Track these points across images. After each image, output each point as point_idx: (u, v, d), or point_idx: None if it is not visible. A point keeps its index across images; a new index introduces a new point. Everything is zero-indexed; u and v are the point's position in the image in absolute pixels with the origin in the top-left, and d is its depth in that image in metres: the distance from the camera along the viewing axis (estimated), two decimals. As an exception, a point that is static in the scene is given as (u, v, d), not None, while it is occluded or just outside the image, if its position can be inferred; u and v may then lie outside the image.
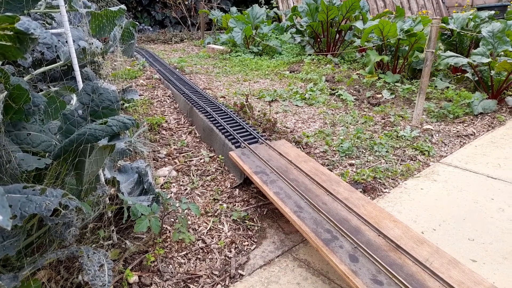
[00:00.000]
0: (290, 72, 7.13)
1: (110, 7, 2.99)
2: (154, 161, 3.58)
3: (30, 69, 2.57)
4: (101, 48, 3.03)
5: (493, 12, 6.49)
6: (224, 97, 5.46)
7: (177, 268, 2.25)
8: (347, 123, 4.48)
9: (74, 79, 2.82)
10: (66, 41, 2.65)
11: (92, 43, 2.85)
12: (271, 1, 14.53)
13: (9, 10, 1.72)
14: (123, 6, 3.06)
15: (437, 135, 4.13)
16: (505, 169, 3.29)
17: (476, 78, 5.29)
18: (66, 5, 2.45)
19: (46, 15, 3.27)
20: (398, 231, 2.02)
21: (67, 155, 1.68)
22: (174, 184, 3.21)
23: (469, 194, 2.92)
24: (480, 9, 11.07)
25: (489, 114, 4.71)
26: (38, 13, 3.15)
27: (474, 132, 4.20)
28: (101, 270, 1.63)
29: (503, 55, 5.01)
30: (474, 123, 4.49)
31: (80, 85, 2.09)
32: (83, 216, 2.06)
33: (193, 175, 3.35)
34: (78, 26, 3.17)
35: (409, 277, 1.69)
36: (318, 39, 8.49)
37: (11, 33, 1.28)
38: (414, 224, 2.56)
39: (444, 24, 6.21)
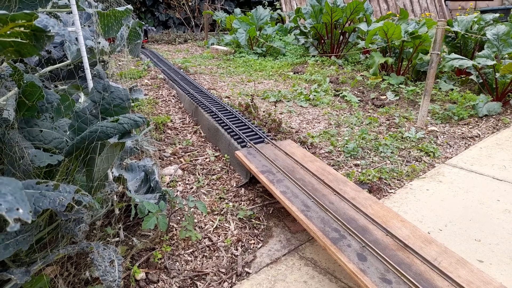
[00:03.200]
0: (294, 73, 7.15)
1: (116, 7, 3.01)
2: (160, 160, 3.59)
3: (37, 67, 2.59)
4: (108, 48, 3.05)
5: (497, 14, 6.50)
6: (229, 97, 5.48)
7: (183, 265, 2.26)
8: (351, 124, 4.49)
9: (81, 78, 2.84)
10: (76, 38, 2.67)
11: (100, 42, 2.88)
12: (275, 3, 14.56)
13: (21, 8, 1.74)
14: (129, 6, 3.08)
15: (442, 136, 4.14)
16: (510, 171, 3.29)
17: (481, 81, 5.30)
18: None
19: (52, 14, 3.29)
20: (406, 230, 2.02)
21: (79, 152, 1.70)
22: (180, 183, 3.22)
23: (475, 195, 2.93)
24: (483, 12, 11.07)
25: (493, 116, 4.71)
26: (45, 13, 3.17)
27: (479, 134, 4.20)
28: (111, 265, 1.64)
29: (507, 58, 5.02)
30: (479, 125, 4.49)
31: (90, 83, 2.11)
32: (92, 213, 2.08)
33: (199, 174, 3.36)
34: (84, 25, 3.19)
35: (418, 276, 1.70)
36: (322, 41, 8.50)
37: (28, 30, 1.30)
38: (420, 225, 2.56)
39: (448, 27, 6.22)
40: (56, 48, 2.82)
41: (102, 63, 3.21)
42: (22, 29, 1.30)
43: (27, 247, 1.46)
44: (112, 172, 2.41)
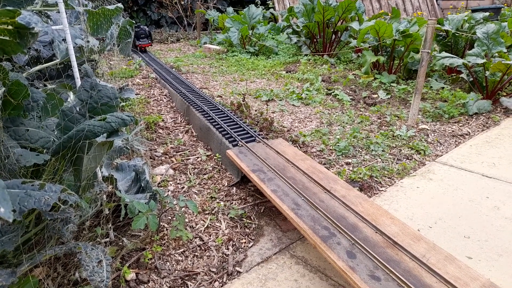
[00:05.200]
0: (287, 72, 7.15)
1: (106, 5, 2.99)
2: (151, 160, 3.57)
3: (26, 67, 2.56)
4: (97, 46, 3.02)
5: (487, 13, 6.55)
6: (221, 97, 5.47)
7: (174, 265, 2.25)
8: (343, 122, 4.50)
9: (71, 77, 2.81)
10: (63, 39, 2.64)
11: (89, 41, 2.85)
12: (267, 2, 14.55)
13: (6, 6, 1.71)
14: (120, 5, 3.06)
15: (432, 134, 4.16)
16: (499, 168, 3.32)
17: (471, 79, 5.34)
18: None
19: (42, 13, 3.25)
20: (395, 228, 2.03)
21: (66, 151, 1.68)
22: (171, 183, 3.21)
23: (464, 192, 2.95)
24: (474, 11, 11.16)
25: (483, 114, 4.75)
26: (34, 11, 3.13)
27: (469, 132, 4.23)
28: (99, 266, 1.63)
29: (497, 56, 5.06)
30: (469, 123, 4.53)
31: (78, 82, 2.09)
32: (81, 213, 2.06)
33: (190, 174, 3.35)
34: (74, 24, 3.16)
35: (406, 273, 1.71)
36: (315, 40, 8.51)
37: (11, 27, 1.28)
38: (410, 222, 2.58)
39: (439, 25, 6.26)
40: (46, 47, 2.79)
41: (92, 62, 3.18)
42: (5, 26, 1.28)
43: (13, 248, 1.44)
44: (102, 172, 2.39)
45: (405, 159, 3.57)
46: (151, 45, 9.76)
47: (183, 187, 3.14)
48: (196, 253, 2.37)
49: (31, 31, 1.30)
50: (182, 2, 14.81)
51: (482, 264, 2.16)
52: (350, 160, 3.52)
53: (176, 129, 4.40)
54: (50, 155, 1.68)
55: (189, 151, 3.81)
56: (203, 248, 2.42)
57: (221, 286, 2.09)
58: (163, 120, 4.60)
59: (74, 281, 2.02)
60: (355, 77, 6.49)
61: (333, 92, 5.62)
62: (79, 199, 1.49)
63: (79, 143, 1.64)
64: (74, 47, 2.56)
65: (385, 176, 3.24)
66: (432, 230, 2.49)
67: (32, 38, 1.34)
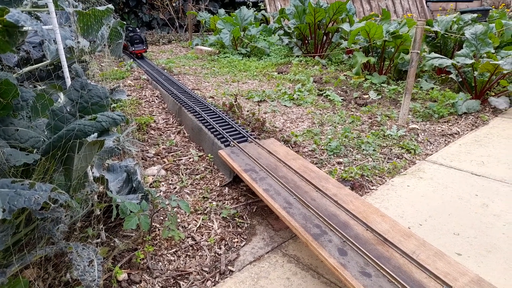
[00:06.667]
0: (278, 73, 7.17)
1: (97, 7, 2.97)
2: (143, 160, 3.56)
3: (16, 68, 2.54)
4: (88, 47, 3.01)
5: (475, 15, 6.64)
6: (213, 97, 5.47)
7: (166, 265, 2.25)
8: (335, 122, 4.53)
9: (61, 77, 2.79)
10: (54, 39, 2.62)
11: (79, 42, 2.83)
12: (259, 4, 14.59)
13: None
14: (110, 6, 3.05)
15: (422, 134, 4.21)
16: (488, 167, 3.37)
17: (460, 79, 5.41)
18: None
19: (32, 14, 3.23)
20: (385, 225, 2.05)
21: (56, 150, 1.67)
22: (163, 183, 3.20)
23: (454, 190, 2.99)
24: (463, 12, 11.29)
25: (472, 114, 4.82)
26: (24, 12, 3.11)
27: (458, 131, 4.29)
28: (90, 265, 1.62)
29: (485, 57, 5.14)
30: (458, 122, 4.59)
31: (69, 82, 2.08)
32: (72, 213, 2.05)
33: (182, 174, 3.35)
34: (64, 25, 3.14)
35: (397, 269, 1.72)
36: (306, 41, 8.56)
37: (0, 26, 1.28)
38: (401, 220, 2.60)
39: (428, 27, 6.33)
40: (35, 48, 2.77)
41: (83, 64, 3.17)
42: (-6, 25, 1.27)
43: (3, 248, 1.43)
44: (93, 173, 2.38)
45: (395, 158, 3.61)
46: (146, 51, 8.98)
47: (175, 188, 3.14)
48: (189, 253, 2.36)
49: (20, 29, 1.29)
50: (174, 4, 14.78)
51: (471, 260, 2.20)
52: (341, 160, 3.55)
53: (168, 130, 4.39)
54: (40, 155, 1.67)
55: (181, 152, 3.80)
56: (195, 247, 2.41)
57: (214, 285, 2.09)
58: (154, 121, 4.59)
59: (65, 282, 2.01)
60: (346, 78, 6.54)
61: (325, 92, 5.65)
62: (70, 199, 1.49)
63: (69, 143, 1.63)
64: (64, 48, 2.55)
65: (376, 175, 3.27)
66: (422, 227, 2.52)
67: (21, 36, 1.33)
